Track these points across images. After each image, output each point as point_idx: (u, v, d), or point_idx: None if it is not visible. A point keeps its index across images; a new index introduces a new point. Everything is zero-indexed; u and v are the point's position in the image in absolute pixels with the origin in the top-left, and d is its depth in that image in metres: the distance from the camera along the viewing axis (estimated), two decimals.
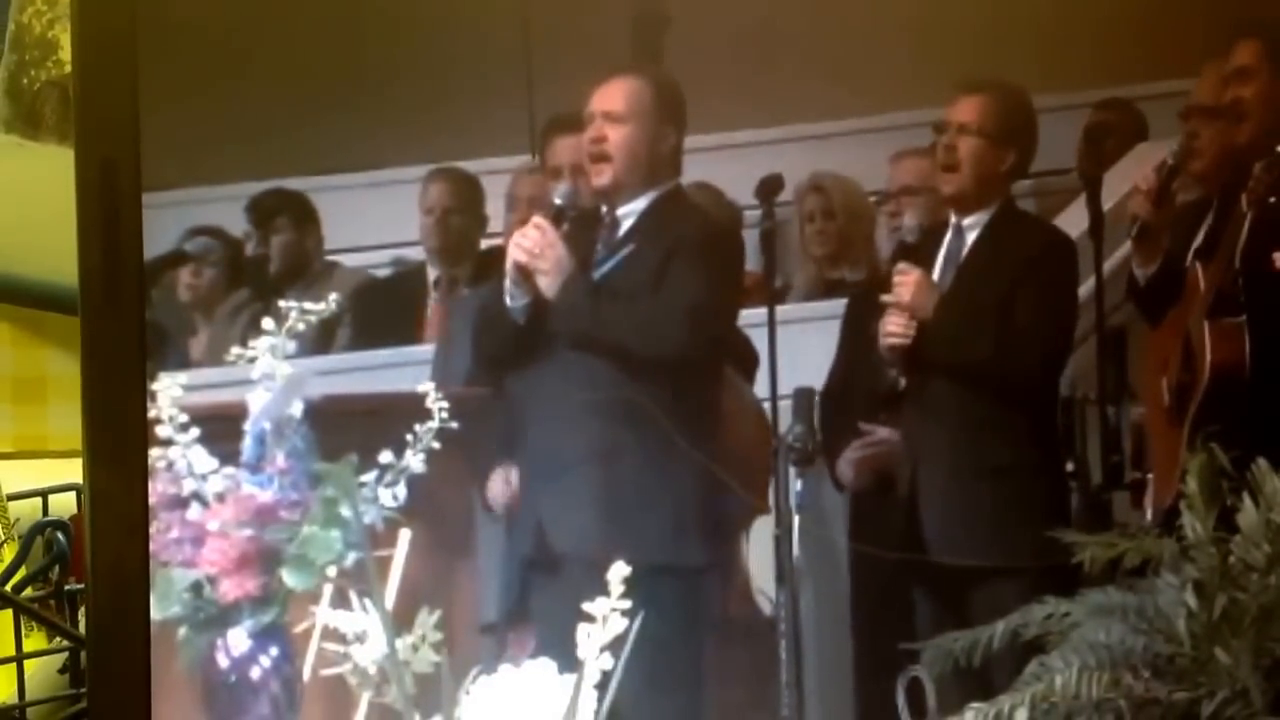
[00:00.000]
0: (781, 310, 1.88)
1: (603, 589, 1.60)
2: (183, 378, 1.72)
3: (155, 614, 1.65)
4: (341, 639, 1.69)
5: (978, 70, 1.85)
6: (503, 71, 1.86)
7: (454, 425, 1.74)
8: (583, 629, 1.61)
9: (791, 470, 1.85)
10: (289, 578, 1.70)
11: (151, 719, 1.63)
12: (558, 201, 1.89)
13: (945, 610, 1.83)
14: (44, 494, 2.35)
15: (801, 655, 1.84)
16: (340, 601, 1.69)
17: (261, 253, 1.95)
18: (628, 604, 1.60)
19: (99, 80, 1.65)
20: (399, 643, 1.68)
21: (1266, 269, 1.83)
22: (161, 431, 1.69)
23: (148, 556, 1.65)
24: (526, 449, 1.89)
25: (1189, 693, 1.58)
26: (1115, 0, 1.84)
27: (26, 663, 2.10)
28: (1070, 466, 1.90)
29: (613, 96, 1.88)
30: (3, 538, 2.31)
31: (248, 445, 1.72)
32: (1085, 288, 1.90)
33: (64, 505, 2.33)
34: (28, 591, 2.21)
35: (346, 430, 1.76)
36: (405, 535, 1.74)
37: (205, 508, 1.71)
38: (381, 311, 1.97)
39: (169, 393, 1.70)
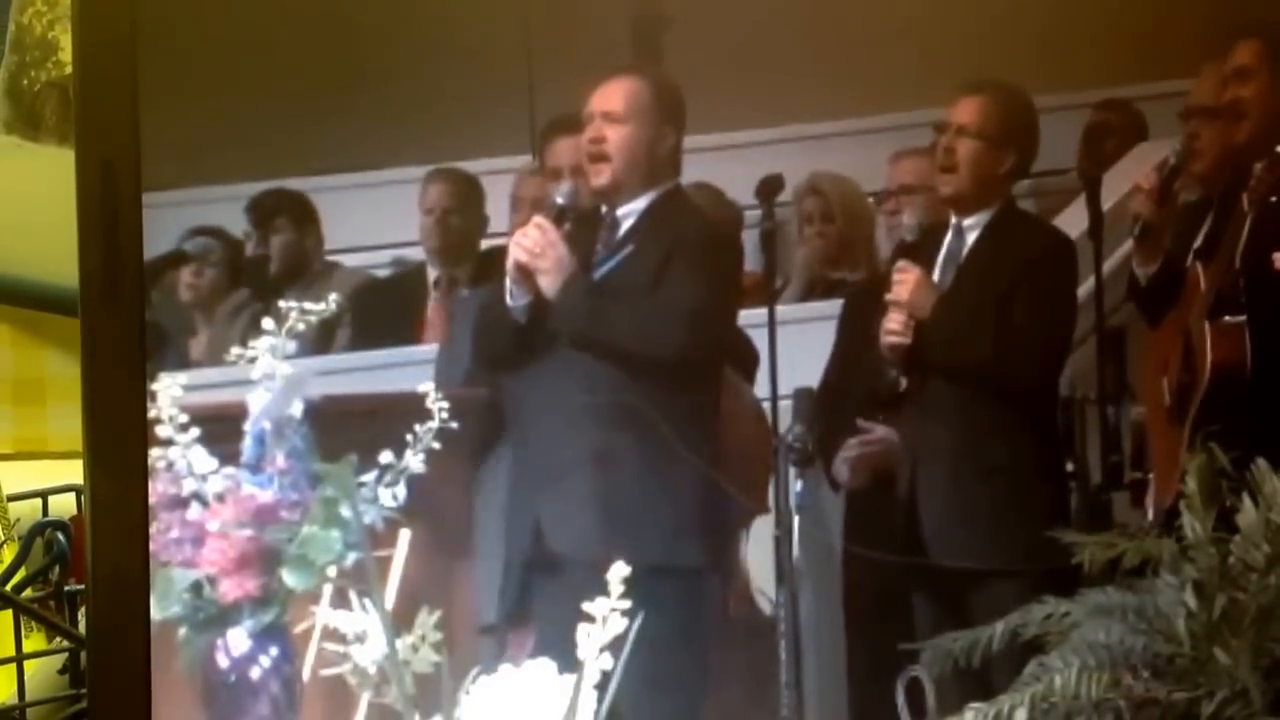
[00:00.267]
0: (781, 310, 1.88)
1: (601, 589, 1.60)
2: (183, 378, 1.72)
3: (155, 614, 1.65)
4: (341, 639, 1.69)
5: (978, 71, 1.85)
6: (503, 72, 1.86)
7: (454, 425, 1.75)
8: (582, 629, 1.61)
9: (791, 470, 1.85)
10: (289, 578, 1.70)
11: (151, 719, 1.63)
12: (559, 201, 1.89)
13: (944, 610, 1.83)
14: (44, 495, 2.35)
15: (801, 655, 1.84)
16: (340, 601, 1.69)
17: (261, 253, 1.95)
18: (627, 604, 1.60)
19: (99, 81, 1.65)
20: (399, 643, 1.68)
21: (1267, 269, 1.83)
22: (161, 431, 1.69)
23: (148, 557, 1.65)
24: (525, 449, 1.89)
25: (1188, 693, 1.58)
26: (1115, 0, 1.84)
27: (26, 663, 2.11)
28: (1070, 466, 1.90)
29: (612, 97, 1.89)
30: (3, 538, 2.31)
31: (248, 445, 1.72)
32: (1085, 288, 1.90)
33: (63, 506, 2.33)
34: (28, 592, 2.21)
35: (346, 430, 1.76)
36: (405, 535, 1.75)
37: (205, 508, 1.71)
38: (381, 312, 1.97)
39: (169, 393, 1.70)
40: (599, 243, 1.91)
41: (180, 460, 1.71)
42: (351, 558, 1.69)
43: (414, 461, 1.73)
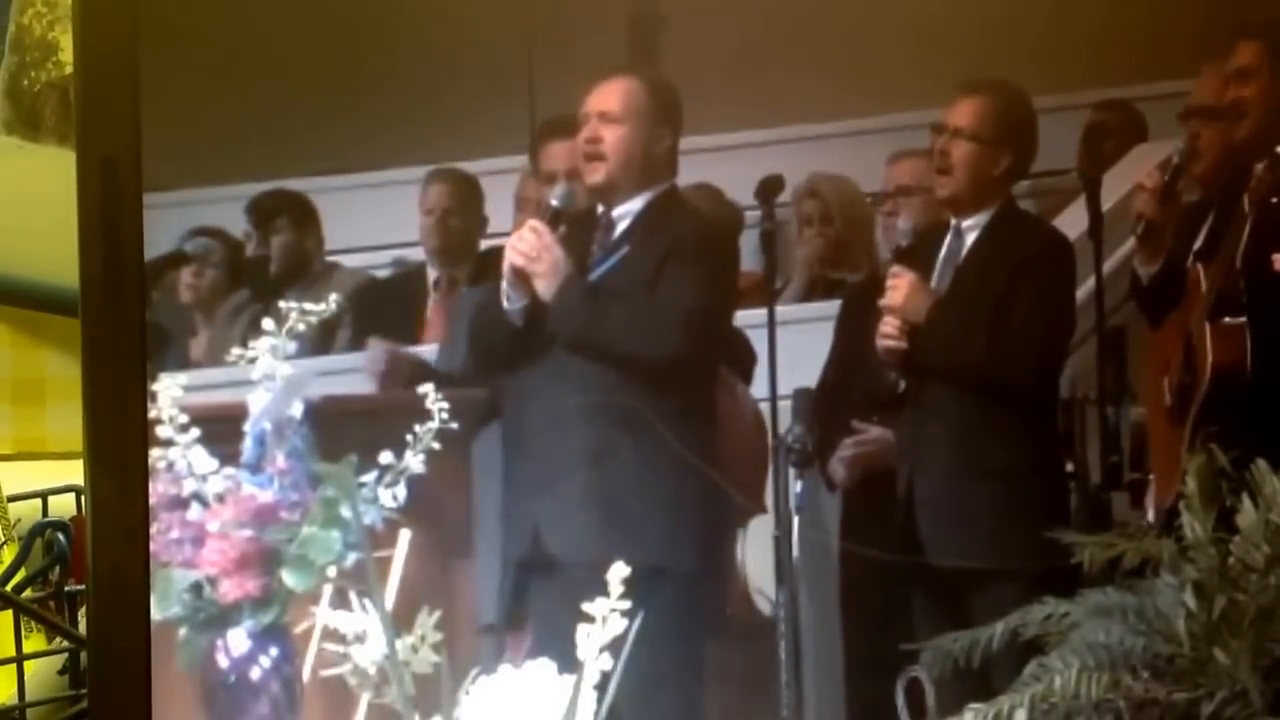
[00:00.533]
0: (781, 310, 1.88)
1: (598, 590, 1.60)
2: (183, 378, 1.72)
3: (155, 614, 1.65)
4: (341, 639, 1.69)
5: (978, 71, 1.85)
6: (503, 72, 1.86)
7: (454, 426, 1.75)
8: (582, 629, 1.61)
9: (791, 471, 1.85)
10: (289, 578, 1.70)
11: (151, 719, 1.63)
12: (553, 204, 1.89)
13: (943, 611, 1.83)
14: (44, 495, 2.35)
15: (801, 656, 1.84)
16: (340, 602, 1.69)
17: (262, 253, 1.95)
18: (627, 604, 1.60)
19: (100, 81, 1.65)
20: (399, 643, 1.68)
21: (1268, 270, 1.83)
22: (162, 432, 1.70)
23: (148, 557, 1.65)
24: (522, 450, 1.89)
25: (1188, 693, 1.58)
26: (1114, 1, 1.84)
27: (26, 664, 2.11)
28: (1069, 467, 1.90)
29: (608, 97, 1.89)
30: (3, 539, 2.31)
31: (248, 446, 1.73)
32: (1085, 288, 1.90)
33: (63, 506, 2.33)
34: (28, 592, 2.21)
35: (346, 431, 1.76)
36: (405, 536, 1.75)
37: (205, 508, 1.71)
38: (382, 312, 1.97)
39: (169, 393, 1.70)
40: (595, 244, 1.91)
41: (180, 461, 1.71)
42: (351, 558, 1.70)
43: (414, 462, 1.73)
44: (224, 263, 1.93)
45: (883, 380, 1.90)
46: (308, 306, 1.73)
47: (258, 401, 1.73)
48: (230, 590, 1.70)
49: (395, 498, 1.73)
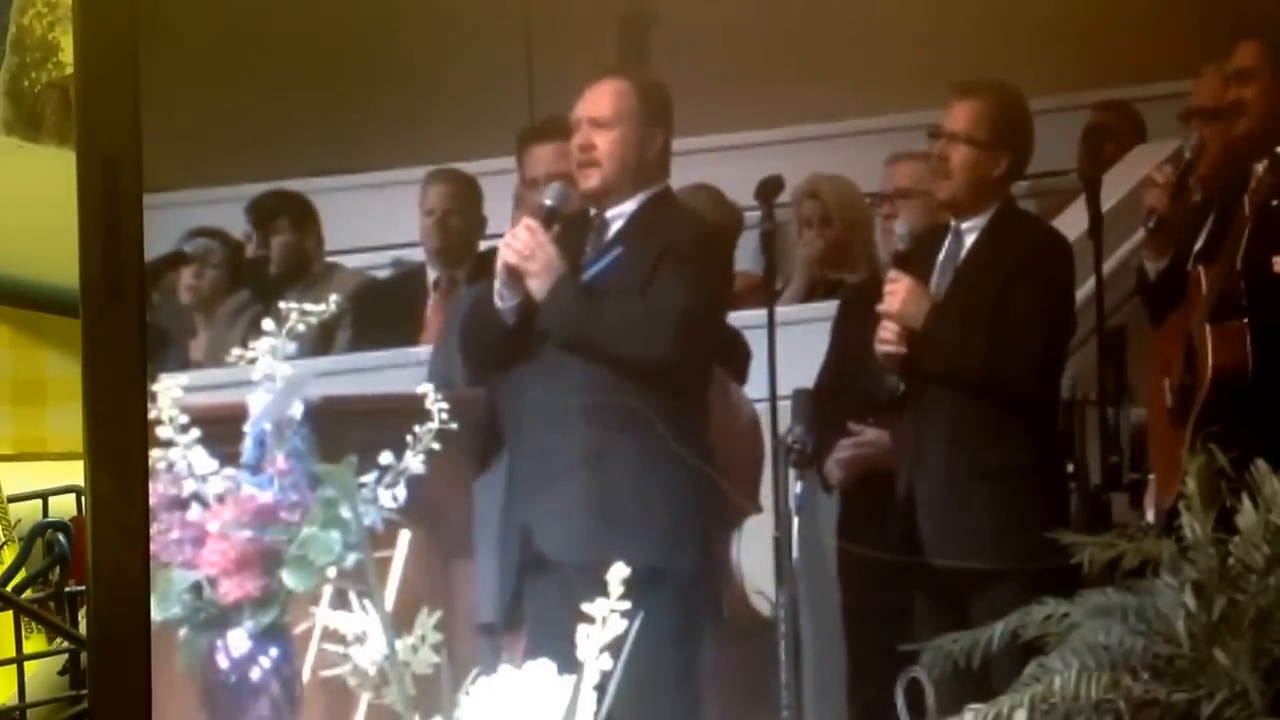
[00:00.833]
0: (781, 311, 1.88)
1: (593, 591, 1.60)
2: (183, 379, 1.72)
3: (155, 615, 1.65)
4: (341, 640, 1.69)
5: (979, 72, 1.85)
6: (503, 73, 1.86)
7: (453, 426, 1.75)
8: (582, 630, 1.61)
9: (791, 472, 1.85)
10: (289, 579, 1.70)
11: None
12: (548, 204, 1.89)
13: (943, 612, 1.83)
14: (44, 496, 2.35)
15: (801, 657, 1.84)
16: (340, 602, 1.69)
17: (262, 254, 1.95)
18: (627, 605, 1.60)
19: (100, 82, 1.65)
20: (399, 644, 1.68)
21: (1268, 272, 1.83)
22: (162, 433, 1.70)
23: (148, 558, 1.65)
24: (516, 449, 1.89)
25: (1188, 694, 1.58)
26: (1114, 2, 1.84)
27: (27, 664, 2.10)
28: (1069, 467, 1.90)
29: (598, 102, 1.88)
30: (3, 539, 2.31)
31: (248, 446, 1.73)
32: (1085, 289, 1.90)
33: (64, 507, 2.33)
34: (28, 593, 2.21)
35: (346, 431, 1.76)
36: (405, 536, 1.75)
37: (205, 509, 1.71)
38: (382, 312, 1.97)
39: (169, 394, 1.70)
40: (588, 245, 1.91)
41: (181, 461, 1.71)
42: (351, 559, 1.69)
43: (414, 462, 1.73)
44: (224, 263, 1.93)
45: (883, 383, 1.90)
46: (308, 307, 1.73)
47: (258, 402, 1.73)
48: (230, 591, 1.70)
49: (395, 498, 1.73)
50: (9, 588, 2.16)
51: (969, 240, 1.92)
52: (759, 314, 1.88)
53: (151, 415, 1.68)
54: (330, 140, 1.86)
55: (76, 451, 1.65)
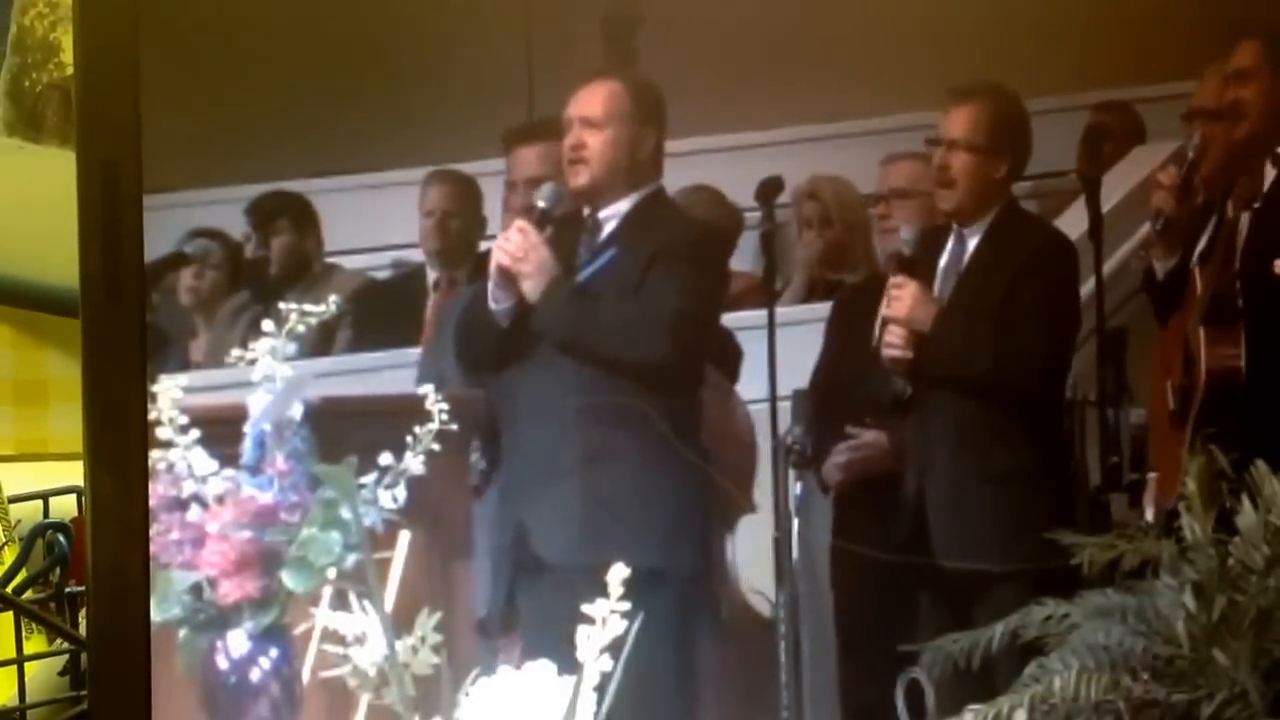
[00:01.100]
0: (781, 312, 1.88)
1: (589, 593, 1.60)
2: (183, 380, 1.72)
3: (155, 616, 1.65)
4: (341, 641, 1.69)
5: (978, 71, 1.85)
6: (503, 74, 1.86)
7: (454, 427, 1.75)
8: (582, 631, 1.61)
9: (791, 473, 1.85)
10: (289, 580, 1.70)
11: None
12: (540, 205, 1.89)
13: (947, 614, 1.82)
14: (45, 496, 2.35)
15: (801, 658, 1.84)
16: (340, 603, 1.70)
17: (261, 255, 1.95)
18: (627, 606, 1.60)
19: (100, 82, 1.65)
20: (398, 644, 1.68)
21: (1266, 275, 1.83)
22: (162, 433, 1.70)
23: (148, 559, 1.65)
24: (510, 452, 1.89)
25: (1188, 694, 1.58)
26: (1113, 2, 1.84)
27: (27, 665, 2.11)
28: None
29: (590, 102, 1.88)
30: (4, 540, 2.31)
31: (248, 447, 1.73)
32: (1085, 289, 1.90)
33: (65, 508, 2.33)
34: (28, 594, 2.21)
35: (346, 432, 1.76)
36: (405, 537, 1.75)
37: (205, 510, 1.71)
38: (381, 313, 1.97)
39: (169, 395, 1.70)
40: (581, 246, 1.91)
41: (180, 462, 1.71)
42: (351, 559, 1.70)
43: (414, 463, 1.73)
44: (224, 264, 1.93)
45: (888, 386, 1.90)
46: (307, 308, 1.73)
47: (258, 403, 1.73)
48: (230, 592, 1.70)
49: (395, 499, 1.73)
50: (9, 588, 2.16)
51: (971, 243, 1.91)
52: (759, 314, 1.88)
53: (151, 416, 1.68)
54: (330, 141, 1.86)
55: (78, 452, 1.65)
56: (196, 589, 1.71)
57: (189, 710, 1.72)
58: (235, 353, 1.73)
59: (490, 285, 1.88)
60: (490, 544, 1.89)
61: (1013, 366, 1.88)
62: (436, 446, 1.74)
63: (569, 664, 1.63)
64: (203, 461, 1.71)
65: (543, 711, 1.63)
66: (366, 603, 1.68)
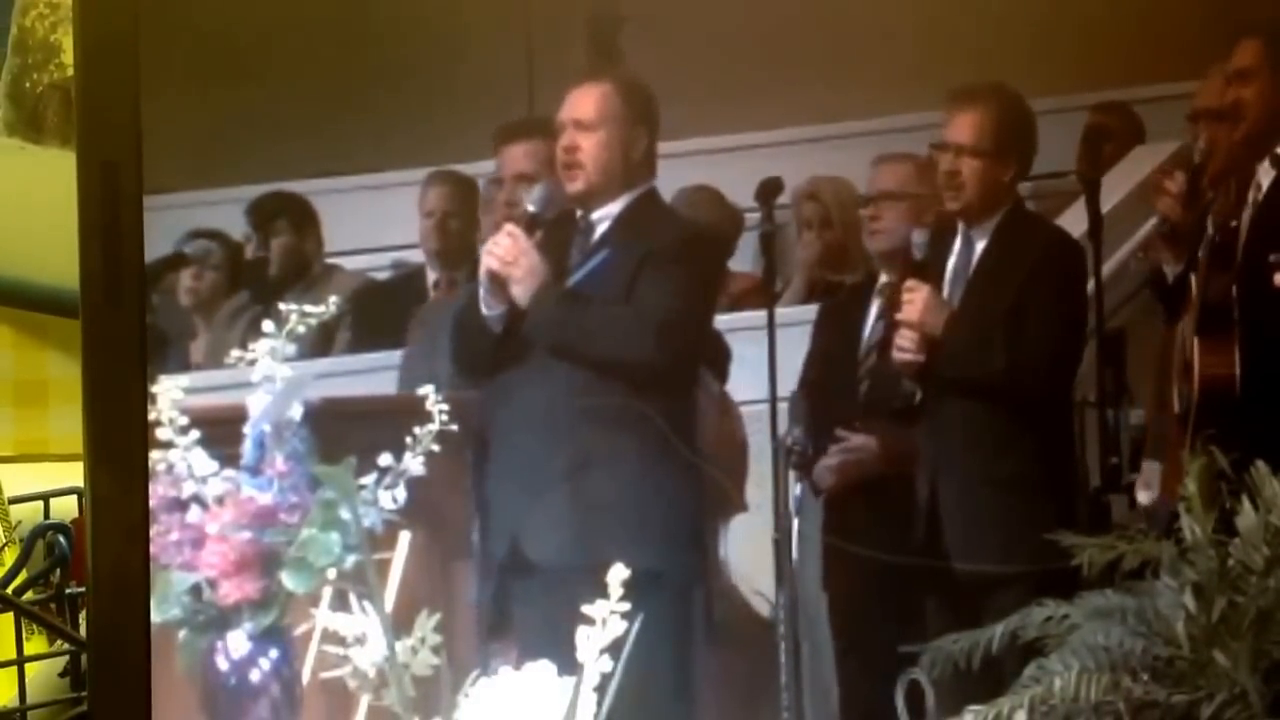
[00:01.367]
0: (781, 313, 1.88)
1: (586, 595, 1.60)
2: (183, 380, 1.72)
3: (155, 617, 1.65)
4: (341, 641, 1.69)
5: (978, 72, 1.85)
6: (504, 75, 1.86)
7: (454, 428, 1.75)
8: (582, 632, 1.61)
9: (790, 474, 1.85)
10: (288, 580, 1.70)
11: None
12: (530, 209, 1.89)
13: (953, 615, 1.82)
14: (45, 497, 2.35)
15: (800, 659, 1.84)
16: (340, 604, 1.70)
17: (261, 255, 1.95)
18: (626, 607, 1.60)
19: (100, 83, 1.65)
20: (398, 645, 1.68)
21: (1259, 284, 1.82)
22: (162, 434, 1.70)
23: (148, 559, 1.65)
24: (504, 456, 1.89)
25: (1188, 695, 1.58)
26: (1112, 2, 1.83)
27: (28, 666, 2.11)
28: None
29: (582, 104, 1.88)
30: (4, 541, 2.31)
31: (247, 448, 1.73)
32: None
33: (65, 508, 2.33)
34: (29, 594, 2.21)
35: (346, 433, 1.76)
36: (405, 538, 1.75)
37: (205, 510, 1.71)
38: (381, 314, 1.97)
39: (169, 395, 1.70)
40: (575, 247, 1.90)
41: (180, 463, 1.71)
42: (351, 560, 1.70)
43: (413, 464, 1.73)
44: (224, 265, 1.93)
45: (898, 389, 1.90)
46: (307, 309, 1.73)
47: (257, 404, 1.73)
48: (230, 592, 1.70)
49: (395, 500, 1.73)
50: (10, 589, 2.16)
51: (979, 246, 1.91)
52: (759, 315, 1.88)
53: (151, 417, 1.68)
54: (330, 142, 1.86)
55: (78, 453, 1.65)
56: (196, 590, 1.71)
57: (189, 711, 1.72)
58: (235, 353, 1.73)
59: (481, 291, 1.88)
60: (481, 546, 1.89)
61: (1025, 366, 1.87)
62: (436, 447, 1.74)
63: (568, 665, 1.63)
64: (203, 462, 1.71)
65: (542, 712, 1.63)
66: (366, 603, 1.68)
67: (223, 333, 1.90)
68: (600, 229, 1.91)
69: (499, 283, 1.88)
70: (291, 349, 1.73)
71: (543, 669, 1.65)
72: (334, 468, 1.70)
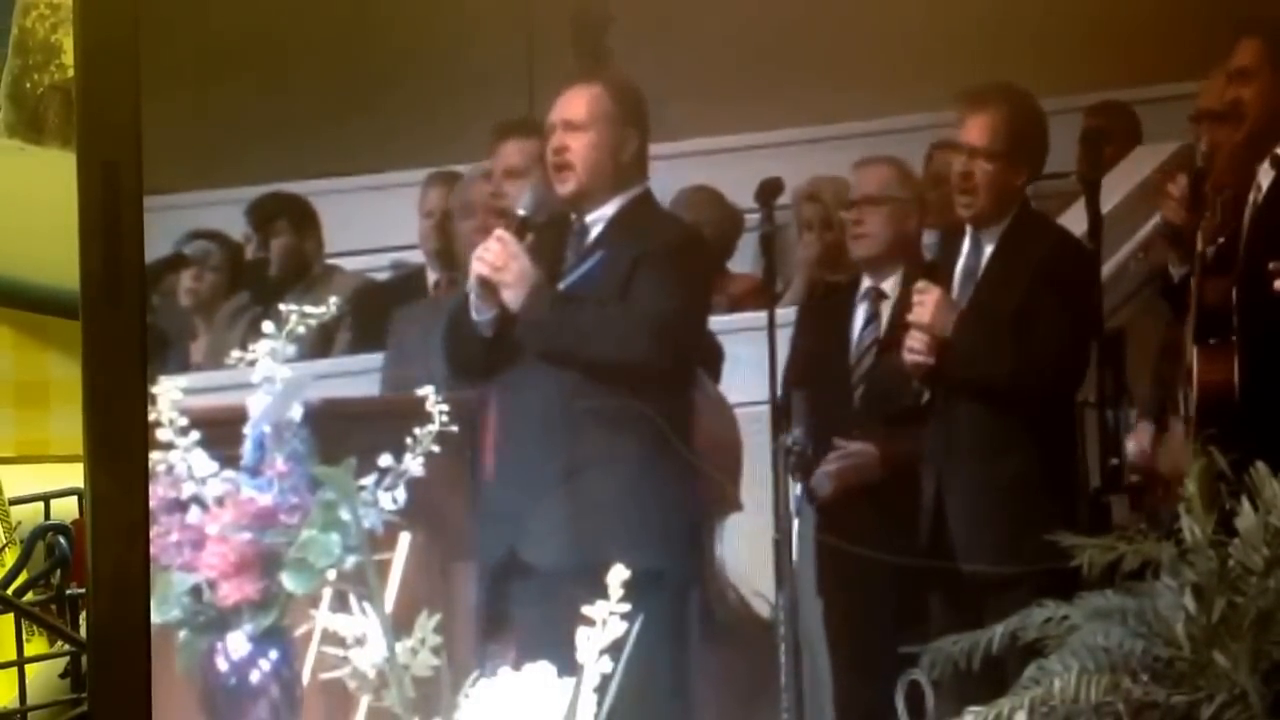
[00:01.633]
0: (781, 314, 1.88)
1: (585, 596, 1.60)
2: (183, 381, 1.72)
3: (155, 618, 1.65)
4: (341, 642, 1.69)
5: (980, 73, 1.84)
6: (504, 75, 1.86)
7: (454, 429, 1.75)
8: (582, 632, 1.61)
9: (790, 475, 1.85)
10: (288, 581, 1.70)
11: None
12: (520, 213, 1.88)
13: (959, 618, 1.82)
14: (46, 498, 2.35)
15: (800, 660, 1.84)
16: (340, 605, 1.70)
17: (261, 256, 1.95)
18: (627, 607, 1.60)
19: (100, 84, 1.65)
20: (398, 646, 1.68)
21: (1258, 291, 1.81)
22: (161, 435, 1.70)
23: (148, 560, 1.65)
24: (499, 459, 1.88)
25: (1188, 696, 1.58)
26: (1113, 2, 1.83)
27: (28, 667, 2.11)
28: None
29: (572, 105, 1.88)
30: (4, 542, 2.31)
31: (247, 449, 1.73)
32: None
33: (66, 509, 2.33)
34: (29, 595, 2.21)
35: (346, 434, 1.76)
36: (405, 539, 1.75)
37: (205, 511, 1.71)
38: (381, 315, 1.97)
39: (169, 396, 1.70)
40: (569, 250, 1.90)
41: (180, 463, 1.71)
42: (351, 561, 1.70)
43: (413, 465, 1.73)
44: (224, 265, 1.92)
45: (906, 391, 1.90)
46: (307, 309, 1.74)
47: (257, 404, 1.73)
48: (229, 593, 1.70)
49: (395, 500, 1.73)
50: (10, 590, 2.16)
51: (988, 248, 1.91)
52: (759, 316, 1.88)
53: (151, 417, 1.68)
54: (330, 142, 1.86)
55: (79, 454, 1.65)
56: (196, 591, 1.71)
57: (189, 712, 1.72)
58: (235, 354, 1.73)
59: (472, 296, 1.88)
60: (478, 548, 1.89)
61: (1033, 369, 1.87)
62: (436, 448, 1.74)
63: (568, 666, 1.63)
64: (202, 463, 1.71)
65: (542, 713, 1.63)
66: (366, 604, 1.68)
67: (223, 333, 1.90)
68: (594, 231, 1.90)
69: (489, 288, 1.87)
70: (291, 350, 1.73)
71: (543, 670, 1.65)
72: (334, 469, 1.70)
